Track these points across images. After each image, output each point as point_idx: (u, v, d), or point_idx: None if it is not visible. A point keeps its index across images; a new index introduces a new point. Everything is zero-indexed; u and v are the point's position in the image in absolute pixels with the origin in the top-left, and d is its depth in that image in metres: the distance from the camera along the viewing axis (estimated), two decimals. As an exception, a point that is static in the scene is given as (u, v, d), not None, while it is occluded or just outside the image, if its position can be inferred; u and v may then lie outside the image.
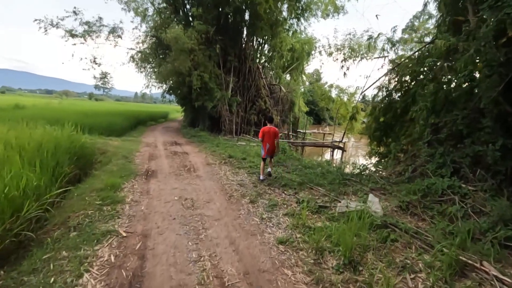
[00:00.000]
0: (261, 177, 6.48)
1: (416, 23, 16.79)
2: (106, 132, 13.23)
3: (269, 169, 6.70)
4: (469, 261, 3.03)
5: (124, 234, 3.64)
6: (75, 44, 17.49)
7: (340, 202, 4.96)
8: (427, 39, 9.82)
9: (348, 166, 8.95)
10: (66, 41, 17.29)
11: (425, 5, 7.45)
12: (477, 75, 5.33)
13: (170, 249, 3.33)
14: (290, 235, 3.83)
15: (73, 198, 4.86)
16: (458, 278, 2.89)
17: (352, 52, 20.38)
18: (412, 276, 2.95)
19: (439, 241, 3.51)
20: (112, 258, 3.09)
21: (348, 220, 4.04)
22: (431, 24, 13.60)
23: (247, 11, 16.27)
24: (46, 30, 16.76)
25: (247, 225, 4.13)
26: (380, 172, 6.91)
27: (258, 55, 19.80)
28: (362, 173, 6.97)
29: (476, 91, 5.21)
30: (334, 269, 3.05)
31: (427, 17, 13.68)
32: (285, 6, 17.21)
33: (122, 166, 7.23)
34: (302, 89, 28.73)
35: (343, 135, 16.67)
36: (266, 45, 19.85)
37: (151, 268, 2.96)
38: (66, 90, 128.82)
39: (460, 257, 3.04)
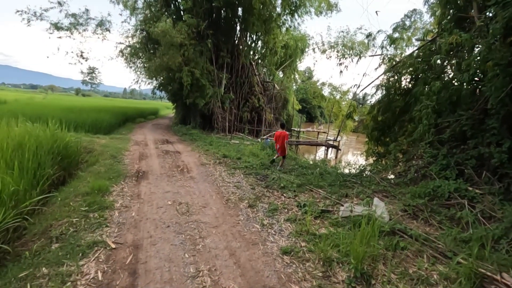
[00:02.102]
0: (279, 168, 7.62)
1: (407, 22, 16.80)
2: (93, 129, 12.63)
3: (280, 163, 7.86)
4: (488, 273, 2.84)
5: (113, 246, 3.29)
6: (60, 37, 16.70)
7: (342, 205, 4.74)
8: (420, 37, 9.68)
9: (345, 165, 8.75)
10: (51, 33, 16.48)
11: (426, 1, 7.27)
12: (482, 75, 5.18)
13: (164, 263, 3.00)
14: (294, 243, 3.57)
15: (56, 203, 4.45)
16: (478, 292, 2.70)
17: (346, 50, 20.27)
18: (429, 290, 2.75)
19: (452, 249, 3.33)
20: (100, 275, 2.75)
21: (354, 226, 3.84)
22: (421, 23, 13.62)
23: (240, 6, 15.83)
24: (29, 22, 15.92)
25: (247, 233, 3.84)
26: (380, 172, 6.73)
27: (252, 52, 19.40)
28: (362, 173, 6.78)
29: (482, 91, 5.05)
30: (345, 283, 2.81)
31: (418, 16, 13.67)
32: (279, 1, 16.86)
33: (110, 166, 6.79)
34: (295, 87, 28.50)
35: (338, 133, 16.52)
36: (259, 42, 19.46)
37: (143, 286, 2.64)
38: (52, 85, 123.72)
39: (480, 269, 2.84)
